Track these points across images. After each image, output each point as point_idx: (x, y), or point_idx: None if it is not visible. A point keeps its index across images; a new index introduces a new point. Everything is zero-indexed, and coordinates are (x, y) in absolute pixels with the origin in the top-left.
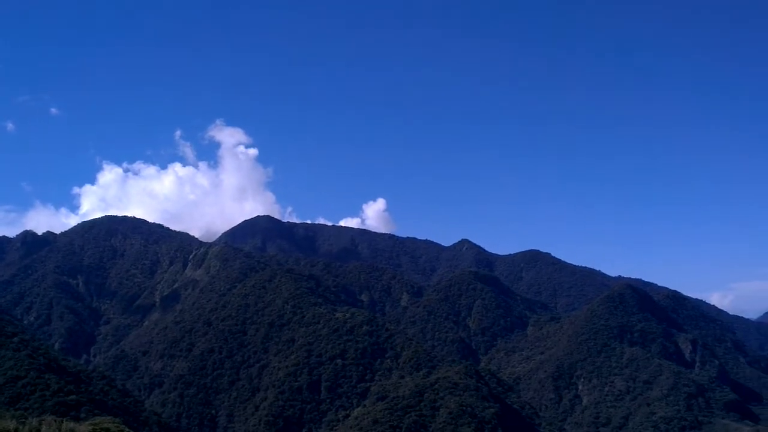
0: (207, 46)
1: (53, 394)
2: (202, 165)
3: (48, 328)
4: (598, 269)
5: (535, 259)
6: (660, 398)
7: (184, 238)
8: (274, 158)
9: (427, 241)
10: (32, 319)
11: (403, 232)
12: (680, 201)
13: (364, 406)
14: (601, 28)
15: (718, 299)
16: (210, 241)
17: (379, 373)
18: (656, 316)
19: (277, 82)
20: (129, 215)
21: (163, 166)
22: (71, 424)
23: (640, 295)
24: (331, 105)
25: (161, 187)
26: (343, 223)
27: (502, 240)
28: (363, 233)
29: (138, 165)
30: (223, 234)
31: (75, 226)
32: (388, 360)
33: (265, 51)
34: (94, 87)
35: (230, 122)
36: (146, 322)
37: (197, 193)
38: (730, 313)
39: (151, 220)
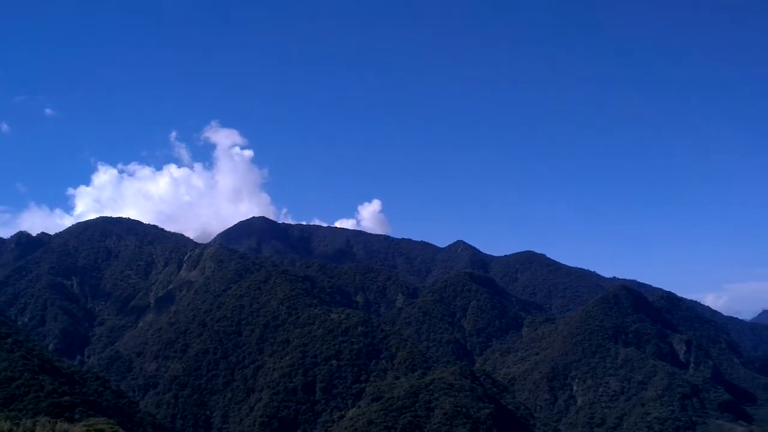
0: (202, 48)
1: (47, 395)
2: (198, 166)
3: (42, 329)
4: (592, 270)
5: (530, 260)
6: (654, 399)
7: (179, 239)
8: (270, 160)
9: (422, 243)
10: (26, 320)
11: (398, 234)
12: (675, 202)
13: (359, 406)
14: (594, 27)
15: (712, 300)
16: (205, 242)
17: (374, 373)
18: (651, 317)
19: (273, 83)
20: (124, 216)
21: (159, 168)
22: (65, 425)
23: (634, 296)
24: (326, 106)
25: (156, 189)
26: (338, 224)
27: (497, 241)
28: (358, 234)
29: (133, 166)
30: (218, 235)
31: (70, 227)
32: (383, 361)
33: (261, 52)
34: (89, 88)
35: (226, 124)
36: (141, 323)
37: (192, 194)
38: (725, 314)
39: (146, 221)
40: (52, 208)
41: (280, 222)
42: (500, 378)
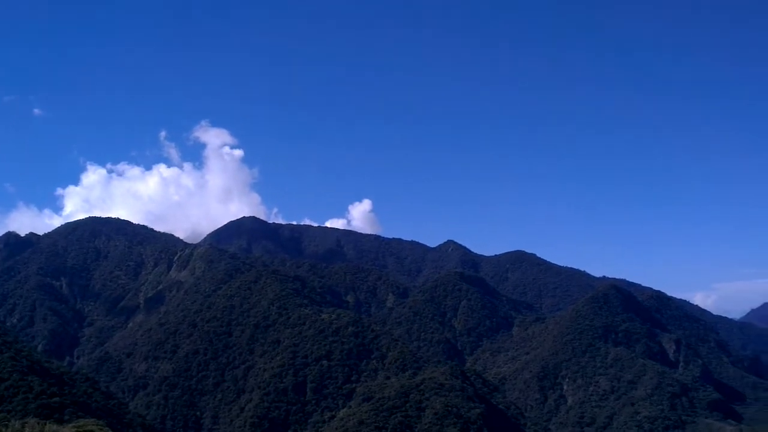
0: (192, 47)
1: (36, 397)
2: (187, 166)
3: (31, 330)
4: (583, 270)
5: (520, 259)
6: (644, 398)
7: (169, 239)
8: (260, 159)
9: (412, 242)
10: (15, 320)
11: (388, 233)
12: (665, 202)
13: (350, 407)
14: (590, 26)
15: (701, 299)
16: (195, 242)
17: (365, 374)
18: (640, 316)
19: (263, 82)
20: (113, 216)
21: (148, 167)
22: (54, 427)
23: (624, 295)
24: (316, 106)
25: (146, 188)
26: (328, 224)
27: (487, 241)
28: (348, 234)
29: (122, 166)
30: (208, 235)
31: (58, 228)
32: (374, 361)
33: (251, 51)
34: (78, 88)
35: (215, 123)
36: (130, 324)
37: (182, 194)
38: (714, 313)
39: (135, 221)
40: (40, 208)
41: (271, 222)
42: (491, 378)
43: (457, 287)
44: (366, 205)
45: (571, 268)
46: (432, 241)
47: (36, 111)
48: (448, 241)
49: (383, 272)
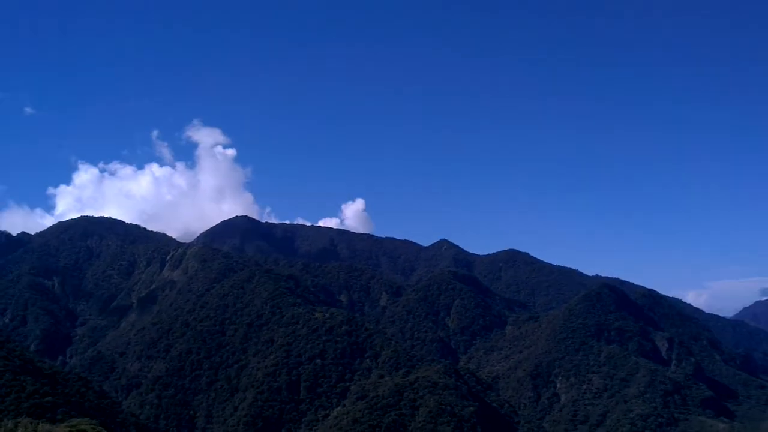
0: (184, 46)
1: (29, 396)
2: (180, 165)
3: (23, 330)
4: (575, 269)
5: (513, 258)
6: (637, 395)
7: (162, 238)
8: (253, 158)
9: (406, 241)
10: (7, 320)
11: (382, 232)
12: (657, 201)
13: (344, 405)
14: (574, 31)
15: (693, 298)
16: (188, 241)
17: (359, 372)
18: (633, 314)
19: (256, 82)
20: (105, 216)
21: (140, 167)
22: (47, 426)
23: (617, 294)
24: (309, 105)
25: (138, 188)
26: (321, 223)
27: (481, 240)
28: (342, 233)
29: (114, 165)
30: (201, 234)
31: (50, 227)
32: (368, 360)
33: (244, 51)
34: (70, 86)
35: (208, 122)
36: (123, 324)
37: (175, 193)
38: (706, 311)
39: (127, 220)
40: (32, 207)
41: (264, 221)
42: (484, 376)
43: (451, 286)
44: (359, 204)
45: (564, 266)
46: (425, 240)
47: (27, 110)
48: (441, 240)
49: (376, 271)
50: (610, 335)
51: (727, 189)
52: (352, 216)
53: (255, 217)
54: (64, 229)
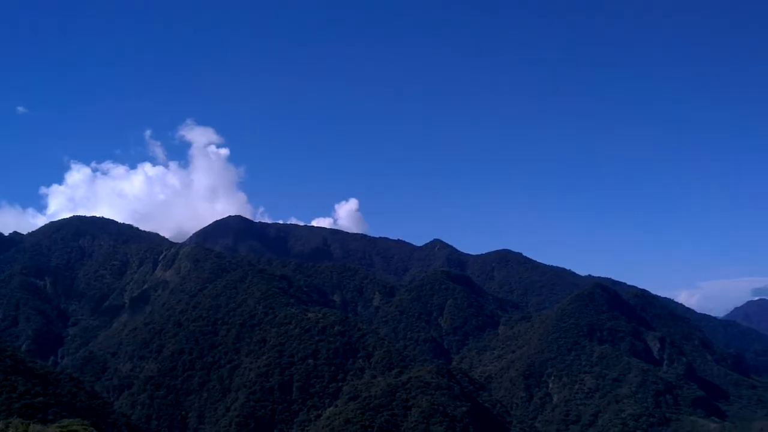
0: (177, 45)
1: (20, 396)
2: (173, 165)
3: (15, 330)
4: (568, 269)
5: (506, 258)
6: (629, 395)
7: (154, 238)
8: (246, 158)
9: (399, 241)
10: None
11: (375, 232)
12: (649, 202)
13: (336, 406)
14: (572, 33)
15: (685, 298)
16: (180, 241)
17: (351, 373)
18: (625, 314)
19: (249, 81)
20: (97, 215)
21: (133, 166)
22: (39, 427)
23: (609, 294)
24: (302, 105)
25: (131, 187)
26: (315, 223)
27: (474, 240)
28: (335, 233)
29: (107, 165)
30: (193, 234)
31: (42, 227)
32: (360, 360)
33: (237, 50)
34: (62, 85)
35: (201, 122)
36: (115, 324)
37: (167, 193)
38: (698, 311)
39: (120, 220)
40: (24, 207)
41: (257, 221)
42: (477, 376)
43: (444, 286)
44: (352, 204)
45: (556, 266)
46: (418, 240)
47: (19, 109)
48: (434, 240)
49: (370, 271)
50: (603, 335)
51: (719, 189)
52: (345, 216)
53: (248, 216)
54: (56, 228)
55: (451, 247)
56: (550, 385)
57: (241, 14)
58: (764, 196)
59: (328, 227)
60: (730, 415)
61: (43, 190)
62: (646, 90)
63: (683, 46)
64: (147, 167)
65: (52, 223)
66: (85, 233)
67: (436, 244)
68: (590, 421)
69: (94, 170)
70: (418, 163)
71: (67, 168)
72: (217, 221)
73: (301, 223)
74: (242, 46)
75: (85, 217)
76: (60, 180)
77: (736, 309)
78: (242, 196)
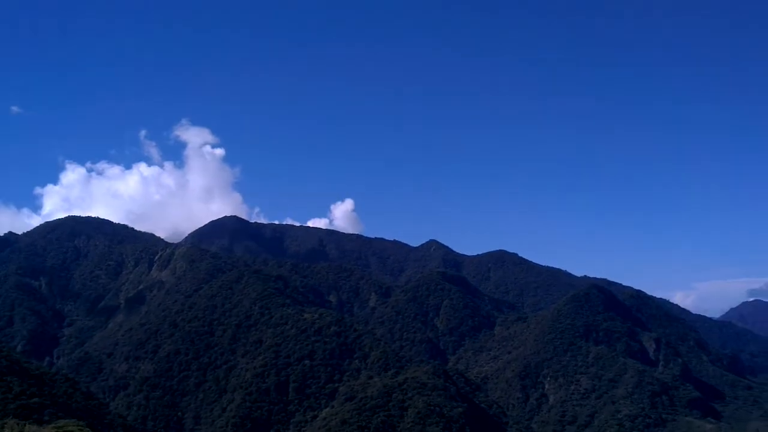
0: (172, 46)
1: (15, 397)
2: (168, 165)
3: (10, 330)
4: (564, 269)
5: (502, 259)
6: (625, 396)
7: (150, 238)
8: (241, 158)
9: (395, 242)
10: None
11: (371, 233)
12: (645, 203)
13: (333, 406)
14: (571, 33)
15: (681, 299)
16: (176, 241)
17: (348, 373)
18: (621, 315)
19: (244, 81)
20: (93, 216)
21: (128, 166)
22: (34, 428)
23: (605, 294)
24: (298, 105)
25: (126, 188)
26: (310, 223)
27: (469, 241)
28: (331, 234)
29: (102, 165)
30: (189, 235)
31: (37, 227)
32: (357, 360)
33: (232, 50)
34: (57, 85)
35: (196, 122)
36: (111, 324)
37: (163, 193)
38: (693, 312)
39: (115, 220)
40: (19, 207)
41: (252, 221)
42: (473, 377)
43: (440, 287)
44: (348, 204)
45: (552, 267)
46: (414, 240)
47: (14, 109)
48: (430, 240)
49: (366, 272)
50: (598, 336)
51: (714, 191)
52: (341, 216)
53: (244, 217)
54: (51, 228)
55: (447, 247)
56: (546, 386)
57: (237, 14)
58: (760, 197)
59: (323, 228)
60: (725, 415)
61: (38, 190)
62: (645, 90)
63: (683, 46)
64: (142, 167)
65: (47, 223)
66: (80, 233)
67: (432, 244)
68: (586, 421)
69: (89, 170)
70: (413, 164)
71: (62, 168)
72: (212, 221)
73: (297, 224)
74: (237, 46)
75: (80, 217)
76: (55, 180)
77: (732, 310)
78: (238, 197)
